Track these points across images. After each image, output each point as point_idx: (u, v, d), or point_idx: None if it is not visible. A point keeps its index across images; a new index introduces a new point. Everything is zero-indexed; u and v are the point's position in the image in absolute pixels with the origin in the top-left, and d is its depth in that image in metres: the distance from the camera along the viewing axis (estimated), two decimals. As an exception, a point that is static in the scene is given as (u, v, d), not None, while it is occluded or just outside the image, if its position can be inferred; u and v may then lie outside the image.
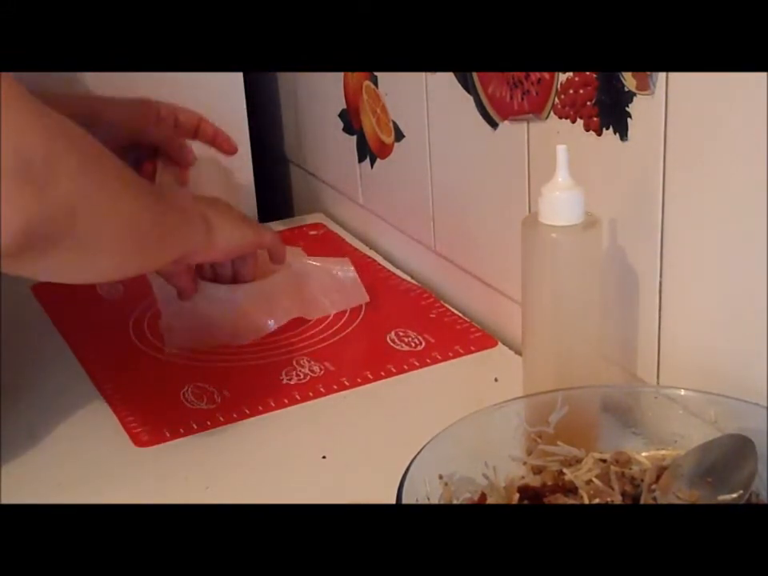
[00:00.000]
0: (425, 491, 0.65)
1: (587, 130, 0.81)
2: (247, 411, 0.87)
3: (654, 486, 0.67)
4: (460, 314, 1.02)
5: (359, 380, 0.91)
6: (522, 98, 0.87)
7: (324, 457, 0.81)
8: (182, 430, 0.85)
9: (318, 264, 1.03)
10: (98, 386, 0.92)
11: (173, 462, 0.82)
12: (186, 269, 0.93)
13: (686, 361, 0.77)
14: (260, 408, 0.88)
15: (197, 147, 1.04)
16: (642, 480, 0.68)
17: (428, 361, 0.94)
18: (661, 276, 0.77)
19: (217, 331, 0.97)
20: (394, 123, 1.11)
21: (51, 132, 0.65)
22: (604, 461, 0.70)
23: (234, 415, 0.87)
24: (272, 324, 0.99)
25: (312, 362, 0.95)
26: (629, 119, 0.76)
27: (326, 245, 1.21)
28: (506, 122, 0.91)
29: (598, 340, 0.77)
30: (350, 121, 1.20)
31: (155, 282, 0.97)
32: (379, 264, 1.15)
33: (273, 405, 0.88)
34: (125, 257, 0.75)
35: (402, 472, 0.63)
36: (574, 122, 0.82)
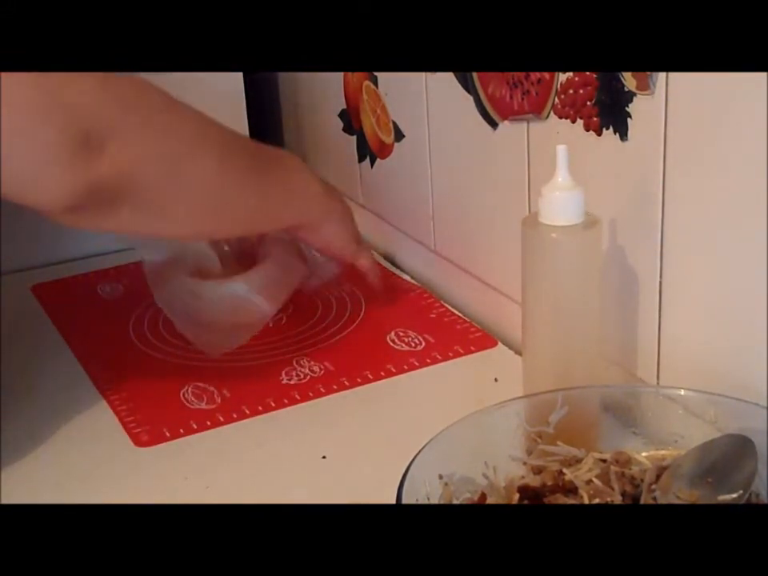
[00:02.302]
0: (425, 491, 0.65)
1: (587, 130, 0.81)
2: (247, 411, 0.87)
3: (653, 486, 0.67)
4: (460, 314, 1.02)
5: (359, 380, 0.91)
6: (522, 98, 0.87)
7: (324, 457, 0.81)
8: (181, 430, 0.85)
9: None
10: (98, 386, 0.92)
11: (173, 462, 0.82)
12: None
13: (686, 361, 0.77)
14: (260, 408, 0.88)
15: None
16: (642, 480, 0.68)
17: (428, 361, 0.94)
18: (661, 276, 0.77)
19: (234, 325, 0.96)
20: (394, 123, 1.11)
21: (114, 99, 0.67)
22: (604, 461, 0.70)
23: (234, 415, 0.87)
24: (273, 308, 0.97)
25: (312, 362, 0.95)
26: (629, 119, 0.76)
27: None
28: (505, 121, 0.91)
29: (597, 340, 0.77)
30: (350, 121, 1.20)
31: (159, 297, 0.96)
32: (379, 264, 1.15)
33: (273, 405, 0.88)
34: (202, 219, 0.76)
35: (402, 472, 0.63)
36: (573, 121, 0.82)
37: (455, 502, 0.67)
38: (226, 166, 0.75)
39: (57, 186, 0.64)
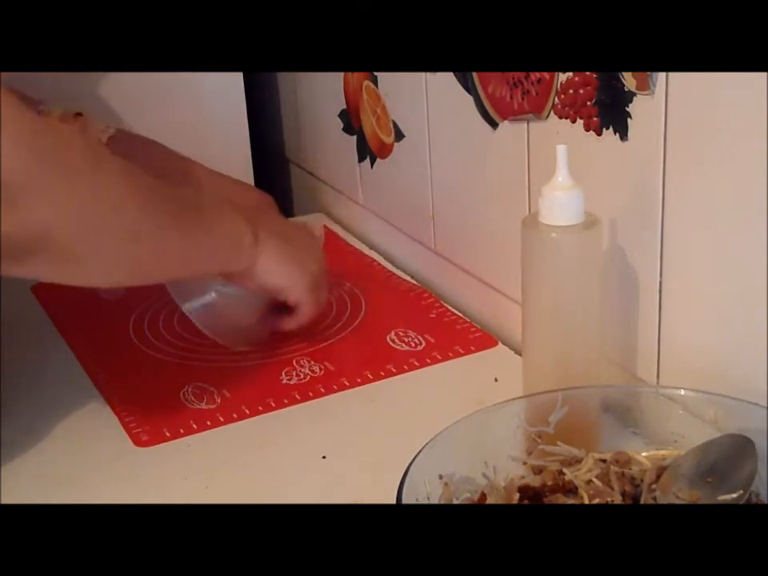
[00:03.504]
0: (425, 491, 0.65)
1: (587, 130, 0.81)
2: (247, 411, 0.87)
3: (654, 486, 0.67)
4: (460, 314, 1.02)
5: (359, 380, 0.91)
6: (522, 98, 0.87)
7: (324, 457, 0.81)
8: (181, 430, 0.85)
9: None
10: (98, 385, 0.92)
11: (173, 462, 0.82)
12: None
13: (686, 361, 0.77)
14: (260, 408, 0.88)
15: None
16: (642, 480, 0.68)
17: (428, 361, 0.94)
18: (661, 276, 0.77)
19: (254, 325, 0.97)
20: (394, 123, 1.11)
21: (37, 151, 0.64)
22: (604, 461, 0.70)
23: (234, 415, 0.87)
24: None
25: (312, 362, 0.95)
26: (629, 119, 0.76)
27: (326, 245, 1.20)
28: (505, 121, 0.91)
29: (597, 340, 0.77)
30: (350, 121, 1.20)
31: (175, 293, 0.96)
32: (379, 264, 1.15)
33: (273, 405, 0.88)
34: (119, 270, 0.74)
35: (402, 472, 0.63)
36: (573, 122, 0.82)
37: (455, 501, 0.67)
38: (148, 220, 0.73)
39: None
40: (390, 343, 0.97)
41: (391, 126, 1.11)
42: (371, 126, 1.16)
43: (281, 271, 0.87)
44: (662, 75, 0.72)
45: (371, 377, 0.92)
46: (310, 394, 0.90)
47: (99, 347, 0.99)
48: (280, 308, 0.94)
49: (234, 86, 1.26)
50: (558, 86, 0.82)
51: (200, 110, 1.22)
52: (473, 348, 0.95)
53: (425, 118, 1.04)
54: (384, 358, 0.95)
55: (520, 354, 0.82)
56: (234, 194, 0.96)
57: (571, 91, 0.81)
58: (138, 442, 0.84)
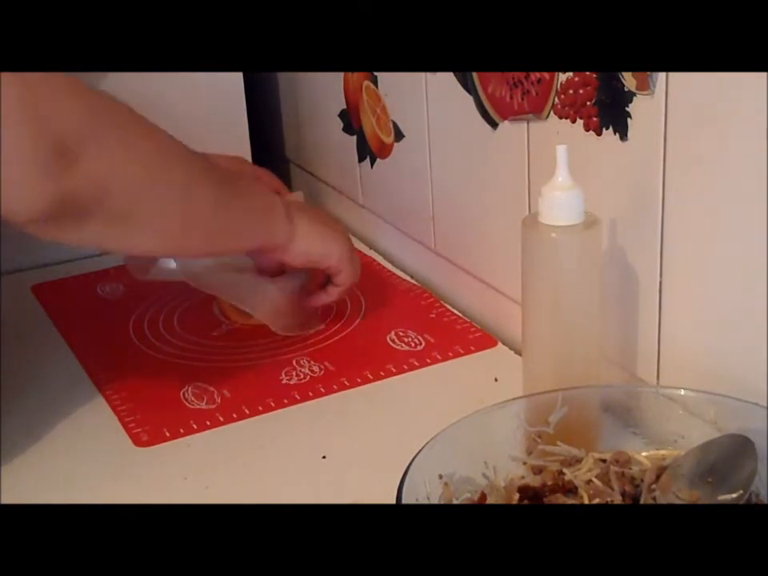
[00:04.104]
0: (425, 491, 0.65)
1: (587, 130, 0.81)
2: (247, 411, 0.87)
3: (653, 486, 0.67)
4: (460, 314, 1.02)
5: (359, 380, 0.91)
6: (522, 98, 0.87)
7: (324, 457, 0.81)
8: (181, 430, 0.85)
9: None
10: (98, 386, 0.92)
11: (173, 462, 0.82)
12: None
13: (686, 361, 0.77)
14: (260, 408, 0.88)
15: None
16: (642, 480, 0.68)
17: (428, 361, 0.94)
18: (661, 276, 0.77)
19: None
20: (394, 123, 1.11)
21: (90, 110, 0.67)
22: (604, 461, 0.70)
23: (234, 415, 0.87)
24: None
25: (312, 362, 0.95)
26: (629, 119, 0.76)
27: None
28: (505, 121, 0.91)
29: (598, 340, 0.77)
30: (350, 121, 1.20)
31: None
32: (379, 264, 1.15)
33: (273, 405, 0.88)
34: (172, 236, 0.76)
35: (402, 472, 0.63)
36: (573, 122, 0.82)
37: (455, 501, 0.67)
38: (195, 185, 0.76)
39: (28, 195, 0.64)
40: (390, 343, 0.97)
41: (391, 126, 1.11)
42: (371, 126, 1.16)
43: (320, 239, 0.89)
44: (661, 75, 0.72)
45: (371, 377, 0.92)
46: (310, 393, 0.90)
47: (99, 347, 0.99)
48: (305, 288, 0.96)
49: (234, 85, 1.26)
50: (558, 86, 0.82)
51: (200, 110, 1.22)
52: (473, 348, 0.95)
53: (425, 118, 1.04)
54: (384, 358, 0.95)
55: (520, 354, 0.82)
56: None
57: (571, 91, 0.81)
58: (137, 442, 0.84)
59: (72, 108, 0.65)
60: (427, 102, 1.03)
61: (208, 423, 0.86)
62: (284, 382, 0.92)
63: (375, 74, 1.12)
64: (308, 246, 0.88)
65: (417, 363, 0.93)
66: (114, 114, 0.70)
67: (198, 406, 0.88)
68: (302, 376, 0.92)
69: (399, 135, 1.10)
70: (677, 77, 0.71)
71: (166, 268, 0.92)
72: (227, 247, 0.85)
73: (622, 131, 0.77)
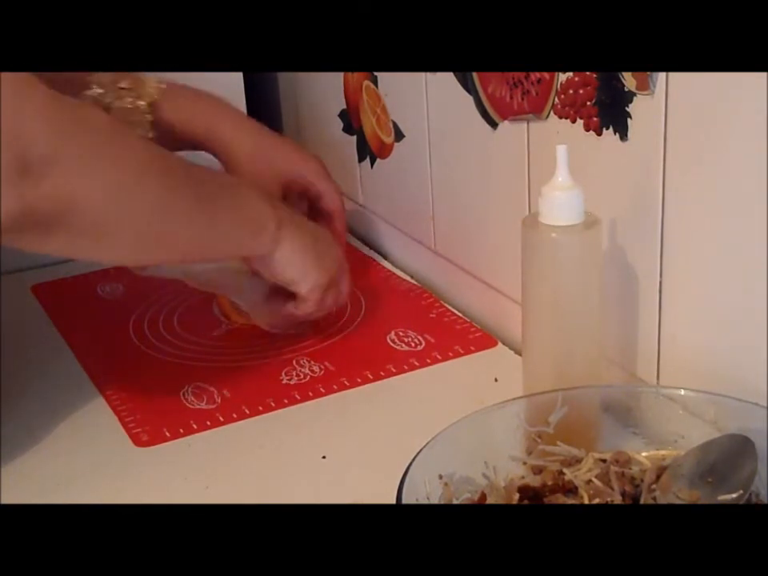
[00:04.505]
0: (425, 491, 0.65)
1: (587, 130, 0.81)
2: (247, 411, 0.87)
3: (653, 486, 0.67)
4: (460, 314, 1.02)
5: (359, 380, 0.91)
6: (522, 98, 0.87)
7: (324, 457, 0.81)
8: (181, 430, 0.85)
9: None
10: (98, 386, 0.92)
11: (173, 462, 0.82)
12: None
13: (686, 361, 0.77)
14: (260, 408, 0.88)
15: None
16: (642, 480, 0.68)
17: (428, 361, 0.94)
18: (661, 276, 0.77)
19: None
20: (394, 123, 1.11)
21: (58, 125, 0.65)
22: (604, 461, 0.70)
23: (234, 415, 0.87)
24: None
25: (312, 362, 0.95)
26: (629, 119, 0.76)
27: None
28: (505, 121, 0.91)
29: (598, 340, 0.77)
30: (350, 121, 1.20)
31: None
32: (379, 264, 1.15)
33: (273, 405, 0.88)
34: (143, 248, 0.75)
35: (402, 472, 0.63)
36: (573, 122, 0.82)
37: (455, 501, 0.67)
38: (171, 195, 0.74)
39: None
40: (390, 343, 0.97)
41: (391, 126, 1.11)
42: (371, 126, 1.16)
43: (297, 262, 0.86)
44: (661, 75, 0.72)
45: (371, 377, 0.92)
46: (310, 393, 0.90)
47: (99, 347, 0.99)
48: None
49: (234, 86, 1.25)
50: (558, 85, 0.82)
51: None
52: (473, 348, 0.95)
53: (425, 117, 1.04)
54: (384, 357, 0.94)
55: (520, 354, 0.82)
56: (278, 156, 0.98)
57: (571, 91, 0.81)
58: (137, 442, 0.84)
59: (41, 123, 0.64)
60: (427, 102, 1.03)
61: (208, 423, 0.86)
62: (284, 382, 0.92)
63: (375, 74, 1.12)
64: (284, 266, 0.86)
65: (417, 363, 0.93)
66: (88, 129, 0.68)
67: (198, 406, 0.88)
68: (302, 376, 0.92)
69: (399, 135, 1.10)
70: (677, 77, 0.71)
71: (164, 266, 0.91)
72: (206, 257, 0.84)
73: (622, 131, 0.77)
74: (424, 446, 0.66)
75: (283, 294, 0.91)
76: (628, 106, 0.76)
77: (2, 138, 0.61)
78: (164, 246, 0.77)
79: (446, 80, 0.97)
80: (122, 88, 0.90)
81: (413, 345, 0.96)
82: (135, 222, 0.72)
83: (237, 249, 0.84)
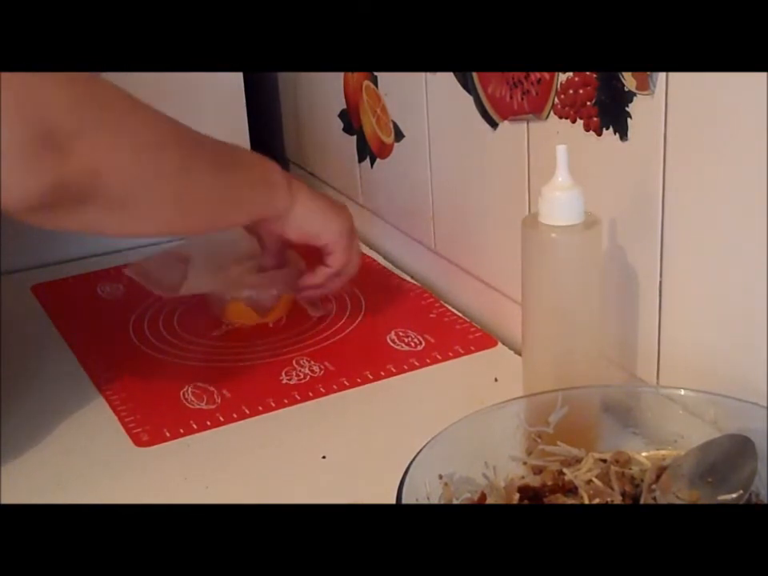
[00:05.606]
0: (425, 491, 0.65)
1: (587, 130, 0.81)
2: (247, 411, 0.87)
3: (654, 486, 0.67)
4: (460, 314, 1.02)
5: (359, 380, 0.91)
6: (522, 98, 0.87)
7: (324, 457, 0.81)
8: (181, 430, 0.85)
9: None
10: (98, 386, 0.92)
11: (173, 462, 0.82)
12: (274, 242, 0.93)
13: (686, 361, 0.77)
14: (260, 408, 0.88)
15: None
16: (642, 480, 0.68)
17: (428, 361, 0.94)
18: (661, 276, 0.77)
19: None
20: (394, 123, 1.11)
21: (78, 100, 0.67)
22: (604, 461, 0.70)
23: (234, 415, 0.87)
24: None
25: (312, 362, 0.95)
26: (629, 119, 0.76)
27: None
28: (505, 121, 0.91)
29: (598, 340, 0.77)
30: (350, 121, 1.20)
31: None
32: (379, 264, 1.15)
33: (273, 405, 0.88)
34: (171, 216, 0.77)
35: (402, 472, 0.63)
36: (573, 122, 0.82)
37: (455, 501, 0.67)
38: (189, 163, 0.77)
39: (21, 185, 0.65)
40: (390, 343, 0.97)
41: (391, 126, 1.11)
42: (371, 126, 1.16)
43: (317, 213, 0.89)
44: (661, 75, 0.72)
45: (371, 377, 0.92)
46: (310, 394, 0.90)
47: (99, 347, 0.99)
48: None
49: (234, 86, 1.26)
50: (558, 85, 0.82)
51: (200, 110, 1.22)
52: (473, 348, 0.95)
53: (425, 117, 1.04)
54: (384, 358, 0.94)
55: (520, 354, 0.82)
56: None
57: (571, 91, 0.81)
58: (138, 442, 0.84)
59: (63, 97, 0.66)
60: (427, 102, 1.03)
61: (208, 423, 0.86)
62: (284, 382, 0.92)
63: (375, 74, 1.12)
64: (305, 218, 0.88)
65: (417, 363, 0.93)
66: (108, 101, 0.70)
67: (198, 406, 0.88)
68: (302, 376, 0.92)
69: (399, 135, 1.10)
70: (677, 77, 0.71)
71: (192, 281, 0.94)
72: (229, 221, 0.86)
73: (622, 131, 0.77)
74: (424, 446, 0.66)
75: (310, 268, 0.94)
76: (628, 106, 0.76)
77: (29, 118, 0.62)
78: (189, 213, 0.79)
79: (446, 80, 0.97)
80: None
81: (413, 345, 0.97)
82: (161, 189, 0.74)
83: (258, 209, 0.86)
